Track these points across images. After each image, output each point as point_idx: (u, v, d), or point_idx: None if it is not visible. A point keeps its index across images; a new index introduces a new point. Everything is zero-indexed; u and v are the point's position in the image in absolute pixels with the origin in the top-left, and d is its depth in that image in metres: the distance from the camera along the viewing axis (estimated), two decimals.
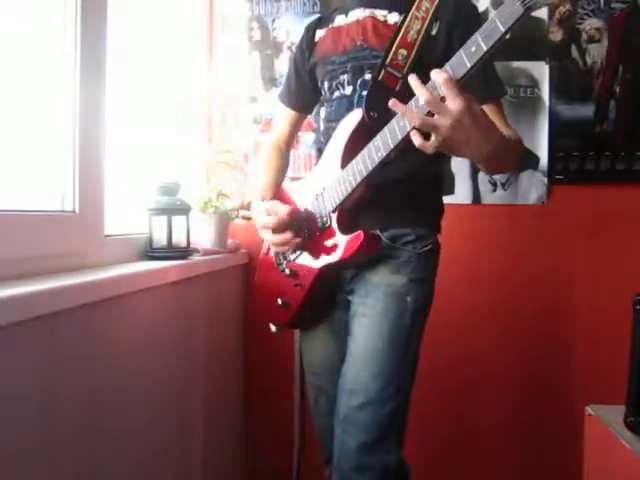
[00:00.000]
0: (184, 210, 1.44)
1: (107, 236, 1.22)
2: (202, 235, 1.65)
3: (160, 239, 1.39)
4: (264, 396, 1.96)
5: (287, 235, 1.19)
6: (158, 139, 1.65)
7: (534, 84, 1.83)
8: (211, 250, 1.61)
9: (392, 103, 0.93)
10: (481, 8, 1.84)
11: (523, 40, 1.82)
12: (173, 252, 1.40)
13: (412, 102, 0.93)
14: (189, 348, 1.48)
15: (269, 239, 1.23)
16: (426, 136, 0.92)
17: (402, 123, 0.97)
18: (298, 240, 1.19)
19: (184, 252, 1.43)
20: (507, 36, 0.83)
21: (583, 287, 1.84)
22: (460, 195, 1.87)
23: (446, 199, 1.83)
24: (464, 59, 0.87)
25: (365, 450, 1.11)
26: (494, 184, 1.86)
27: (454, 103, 0.87)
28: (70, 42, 1.10)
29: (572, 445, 1.57)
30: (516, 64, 1.83)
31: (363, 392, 1.13)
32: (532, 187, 1.85)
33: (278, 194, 1.35)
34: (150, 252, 1.38)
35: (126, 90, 1.43)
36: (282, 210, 1.20)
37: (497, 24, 0.82)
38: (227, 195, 1.71)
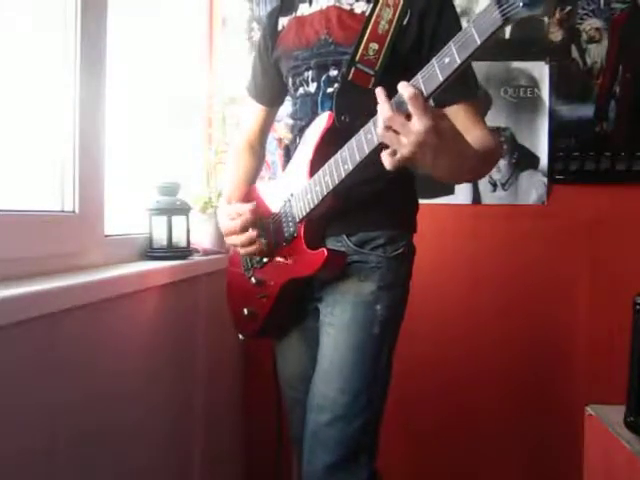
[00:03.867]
0: (184, 210, 1.44)
1: (107, 236, 1.22)
2: (202, 235, 1.65)
3: (160, 239, 1.39)
4: (264, 396, 1.95)
5: (252, 233, 1.11)
6: (158, 139, 1.65)
7: (534, 84, 1.83)
8: (211, 250, 1.62)
9: (378, 91, 0.84)
10: (479, 9, 1.84)
11: (523, 40, 1.82)
12: (173, 252, 1.40)
13: (374, 120, 0.87)
14: (189, 348, 1.48)
15: (235, 241, 1.15)
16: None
17: (369, 136, 0.90)
18: (264, 241, 1.13)
19: (184, 252, 1.43)
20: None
21: (583, 287, 1.84)
22: (460, 195, 1.87)
23: (446, 199, 1.83)
24: (437, 71, 0.79)
25: (333, 470, 1.05)
26: (494, 184, 1.86)
27: (419, 122, 0.79)
28: (70, 42, 1.10)
29: (572, 445, 1.57)
30: (516, 64, 1.83)
31: (330, 407, 1.07)
32: (532, 187, 1.85)
33: (250, 195, 1.28)
34: (150, 252, 1.38)
35: (126, 90, 1.43)
36: (244, 208, 1.12)
37: (473, 34, 0.74)
38: None
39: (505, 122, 1.84)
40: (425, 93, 0.81)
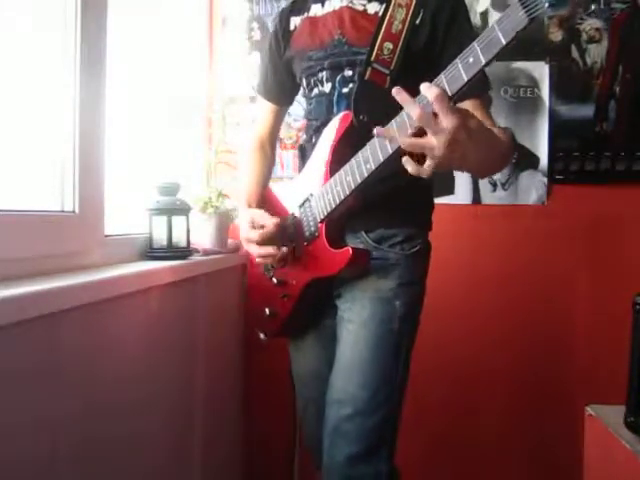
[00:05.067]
0: (184, 210, 1.44)
1: (107, 236, 1.22)
2: (202, 235, 1.64)
3: (160, 239, 1.39)
4: (264, 396, 1.95)
5: (270, 250, 1.14)
6: (158, 139, 1.65)
7: (534, 84, 1.83)
8: (211, 250, 1.61)
9: (377, 131, 0.88)
10: (481, 8, 1.84)
11: (523, 40, 1.81)
12: (173, 252, 1.39)
13: (395, 121, 0.88)
14: (189, 348, 1.48)
15: (253, 252, 1.18)
16: (417, 157, 0.86)
17: None
18: (282, 253, 1.15)
19: (184, 252, 1.43)
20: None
21: (583, 287, 1.84)
22: (460, 195, 1.87)
23: (446, 199, 1.83)
24: (461, 71, 0.80)
25: (354, 462, 1.07)
26: (494, 184, 1.86)
27: (448, 120, 0.79)
28: (70, 42, 1.10)
29: (572, 445, 1.57)
30: (516, 64, 1.83)
31: (351, 402, 1.09)
32: (532, 187, 1.85)
33: (266, 197, 1.30)
34: (150, 252, 1.38)
35: (126, 90, 1.42)
36: (268, 222, 1.14)
37: (498, 35, 0.75)
38: (227, 195, 1.71)
39: (505, 122, 1.84)
40: (449, 93, 0.81)
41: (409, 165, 0.85)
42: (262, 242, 1.14)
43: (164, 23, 1.72)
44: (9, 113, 1.02)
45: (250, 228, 1.17)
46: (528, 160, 1.84)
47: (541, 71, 1.83)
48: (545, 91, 1.83)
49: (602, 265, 1.83)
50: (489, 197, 1.87)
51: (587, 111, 1.82)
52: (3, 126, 1.02)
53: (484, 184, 1.86)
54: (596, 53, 1.82)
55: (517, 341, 1.86)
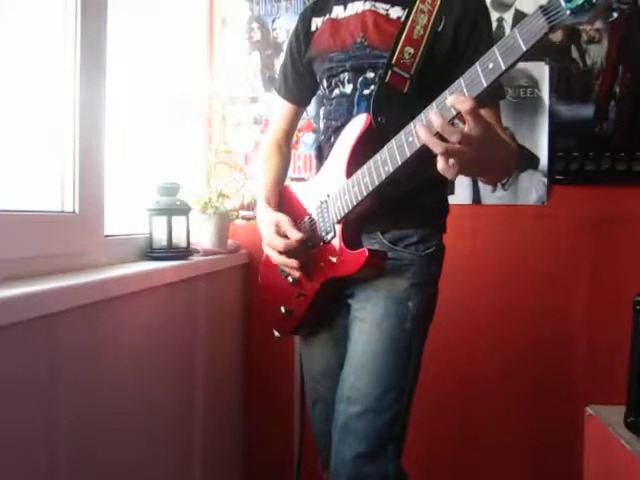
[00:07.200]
0: (184, 210, 1.44)
1: (107, 236, 1.22)
2: (202, 235, 1.65)
3: (160, 239, 1.39)
4: (265, 396, 1.96)
5: (293, 262, 1.14)
6: (158, 139, 1.65)
7: (534, 84, 1.83)
8: (211, 250, 1.61)
9: (418, 129, 0.89)
10: None
11: None
12: (173, 252, 1.40)
13: (424, 117, 0.89)
14: (189, 349, 1.48)
15: (275, 259, 1.18)
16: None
17: (411, 139, 0.93)
18: (300, 262, 1.15)
19: (184, 252, 1.43)
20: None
21: (583, 287, 1.84)
22: (460, 195, 1.87)
23: None
24: (480, 77, 0.81)
25: (362, 460, 1.07)
26: (494, 184, 1.86)
27: (475, 129, 0.83)
28: (70, 42, 1.10)
29: (572, 445, 1.57)
30: None
31: (361, 400, 1.09)
32: (532, 187, 1.85)
33: (284, 195, 1.31)
34: (150, 252, 1.38)
35: (126, 90, 1.43)
36: (292, 234, 1.14)
37: (518, 41, 0.75)
38: (227, 195, 1.71)
39: (505, 122, 1.82)
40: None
41: (441, 161, 0.86)
42: (284, 252, 1.15)
43: (164, 23, 1.73)
44: (9, 113, 1.03)
45: (275, 234, 1.16)
46: (528, 160, 1.84)
47: (541, 71, 1.83)
48: (545, 91, 1.83)
49: (602, 265, 1.83)
50: (489, 197, 1.87)
51: (587, 111, 1.82)
52: (3, 126, 1.02)
53: (484, 184, 1.86)
54: (596, 53, 1.82)
55: (517, 341, 1.86)
